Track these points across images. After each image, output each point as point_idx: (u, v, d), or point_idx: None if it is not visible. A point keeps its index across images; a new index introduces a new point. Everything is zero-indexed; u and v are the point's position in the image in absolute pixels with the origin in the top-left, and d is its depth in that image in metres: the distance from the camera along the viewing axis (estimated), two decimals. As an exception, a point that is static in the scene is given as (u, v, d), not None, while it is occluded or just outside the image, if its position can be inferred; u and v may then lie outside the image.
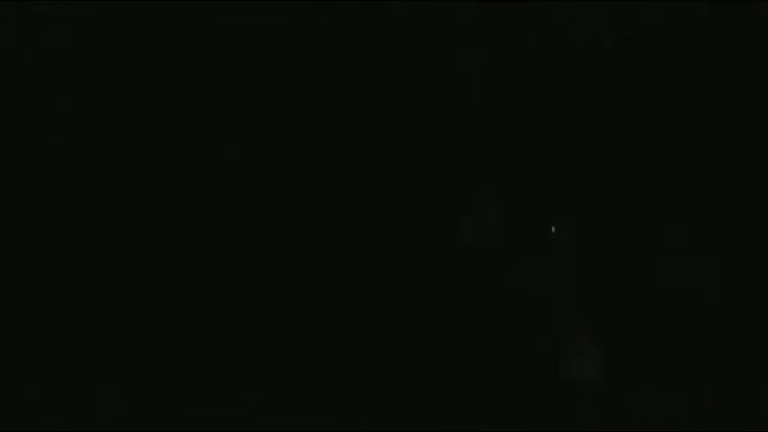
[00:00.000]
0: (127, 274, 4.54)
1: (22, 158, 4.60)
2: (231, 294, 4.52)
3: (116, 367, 4.48)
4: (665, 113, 4.63)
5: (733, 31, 4.65)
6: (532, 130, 4.66)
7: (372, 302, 4.52)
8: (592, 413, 4.31)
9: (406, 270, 4.54)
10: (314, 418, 4.38)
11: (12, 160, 4.60)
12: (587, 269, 4.47)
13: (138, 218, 4.59)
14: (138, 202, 4.61)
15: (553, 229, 4.37)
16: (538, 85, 4.66)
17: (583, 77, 4.65)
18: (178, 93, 4.68)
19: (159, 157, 4.63)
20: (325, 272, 4.55)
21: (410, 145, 4.66)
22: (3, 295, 4.50)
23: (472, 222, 4.50)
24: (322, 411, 4.40)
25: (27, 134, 4.61)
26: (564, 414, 4.34)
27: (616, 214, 4.55)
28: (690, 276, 4.43)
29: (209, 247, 4.57)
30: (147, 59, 4.68)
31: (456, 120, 4.67)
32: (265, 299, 4.53)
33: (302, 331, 4.50)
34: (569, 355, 4.33)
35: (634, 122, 4.63)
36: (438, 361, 4.45)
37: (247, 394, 4.42)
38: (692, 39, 4.65)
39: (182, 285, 4.54)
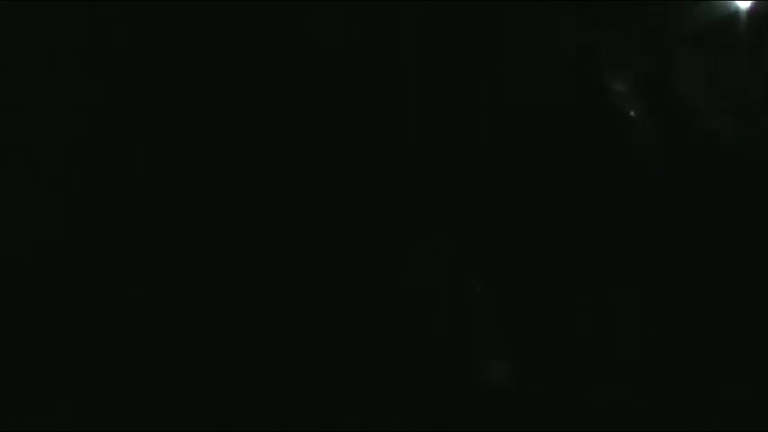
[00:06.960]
0: (126, 271, 4.57)
1: (22, 158, 4.63)
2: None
3: (115, 367, 4.51)
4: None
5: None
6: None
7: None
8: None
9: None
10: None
11: (11, 160, 4.63)
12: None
13: (138, 217, 4.62)
14: (137, 202, 4.63)
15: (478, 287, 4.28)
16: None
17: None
18: (178, 92, 4.70)
19: (158, 156, 4.66)
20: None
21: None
22: (2, 295, 4.53)
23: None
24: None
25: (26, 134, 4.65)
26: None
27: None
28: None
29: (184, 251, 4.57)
30: (147, 60, 4.70)
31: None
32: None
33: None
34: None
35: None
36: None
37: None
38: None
39: (178, 285, 4.57)
